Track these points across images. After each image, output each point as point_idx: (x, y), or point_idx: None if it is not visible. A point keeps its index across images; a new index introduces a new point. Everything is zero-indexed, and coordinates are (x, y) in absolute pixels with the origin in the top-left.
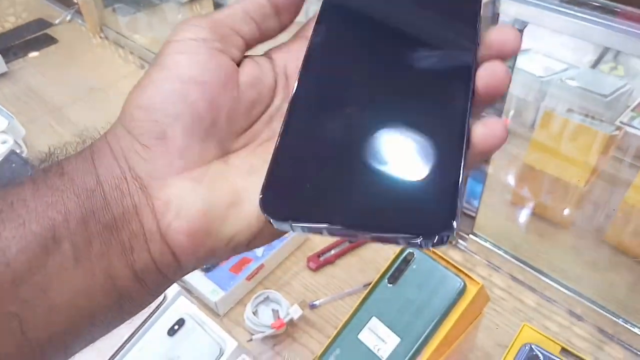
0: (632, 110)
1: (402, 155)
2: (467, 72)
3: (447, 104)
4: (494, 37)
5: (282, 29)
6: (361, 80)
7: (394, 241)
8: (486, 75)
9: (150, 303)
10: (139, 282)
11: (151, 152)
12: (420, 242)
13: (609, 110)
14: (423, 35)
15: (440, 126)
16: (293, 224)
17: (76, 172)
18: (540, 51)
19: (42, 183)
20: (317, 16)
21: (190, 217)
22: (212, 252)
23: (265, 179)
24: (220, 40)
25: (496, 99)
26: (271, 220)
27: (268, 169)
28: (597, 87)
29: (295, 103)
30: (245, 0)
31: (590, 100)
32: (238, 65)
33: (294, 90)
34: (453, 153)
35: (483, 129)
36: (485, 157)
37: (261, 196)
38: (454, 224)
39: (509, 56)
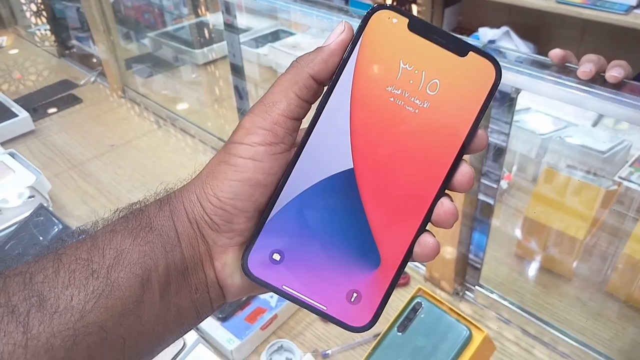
0: (630, 165)
1: (353, 258)
2: (427, 202)
3: (402, 225)
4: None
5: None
6: (341, 189)
7: (327, 320)
8: (439, 212)
9: (196, 325)
10: (196, 313)
11: (219, 229)
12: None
13: (607, 165)
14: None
15: (394, 240)
16: (260, 281)
17: (162, 228)
18: (541, 110)
19: (138, 236)
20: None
21: (240, 278)
22: (253, 294)
23: (247, 245)
24: (281, 140)
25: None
26: (247, 275)
27: (252, 238)
28: (595, 143)
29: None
30: (296, 85)
31: (589, 156)
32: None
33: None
34: (391, 269)
35: (418, 248)
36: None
37: (242, 256)
38: (373, 324)
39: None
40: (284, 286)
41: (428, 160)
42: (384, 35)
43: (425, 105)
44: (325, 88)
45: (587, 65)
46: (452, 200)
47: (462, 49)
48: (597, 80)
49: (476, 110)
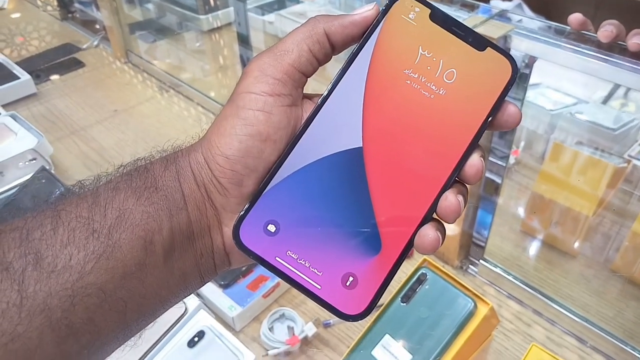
0: None
1: (353, 241)
2: (432, 195)
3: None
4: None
5: (329, 60)
6: (350, 163)
7: (319, 304)
8: (442, 206)
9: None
10: (200, 278)
11: (228, 193)
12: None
13: (617, 143)
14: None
15: (397, 231)
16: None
17: (168, 189)
18: (551, 85)
19: (142, 196)
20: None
21: None
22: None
23: (242, 213)
24: (291, 92)
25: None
26: (237, 244)
27: (247, 206)
28: (606, 121)
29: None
30: (310, 39)
31: (599, 133)
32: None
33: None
34: (391, 257)
35: (418, 239)
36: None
37: (235, 224)
38: (367, 315)
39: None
40: (277, 258)
41: (438, 147)
42: (406, 21)
43: (441, 92)
44: (342, 64)
45: (607, 27)
46: (462, 195)
47: (480, 44)
48: (615, 49)
49: (490, 103)
